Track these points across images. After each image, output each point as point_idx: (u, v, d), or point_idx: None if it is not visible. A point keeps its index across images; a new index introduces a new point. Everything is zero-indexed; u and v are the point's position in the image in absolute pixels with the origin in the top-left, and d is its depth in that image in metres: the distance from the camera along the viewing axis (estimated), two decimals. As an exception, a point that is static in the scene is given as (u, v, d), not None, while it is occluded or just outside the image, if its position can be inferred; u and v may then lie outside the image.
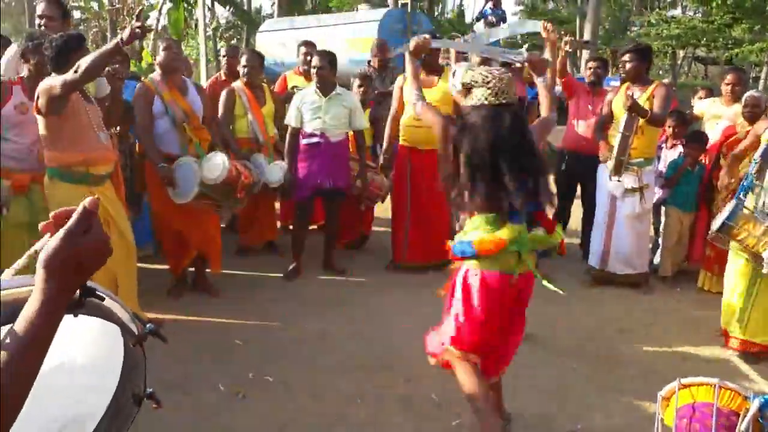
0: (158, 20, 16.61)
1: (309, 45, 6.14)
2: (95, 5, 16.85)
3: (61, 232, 0.89)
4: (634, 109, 4.49)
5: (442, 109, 4.81)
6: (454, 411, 3.21)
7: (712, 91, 6.44)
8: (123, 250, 3.77)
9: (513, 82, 2.55)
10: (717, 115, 5.44)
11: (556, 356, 3.89)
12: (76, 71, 3.24)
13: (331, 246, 5.28)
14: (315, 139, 4.86)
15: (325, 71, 4.86)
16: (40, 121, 3.46)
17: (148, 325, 1.14)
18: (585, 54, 18.39)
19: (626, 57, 4.82)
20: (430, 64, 5.01)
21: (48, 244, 0.90)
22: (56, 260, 0.88)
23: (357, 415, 3.19)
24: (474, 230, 2.49)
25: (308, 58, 5.74)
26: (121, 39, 3.25)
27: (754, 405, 1.99)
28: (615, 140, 4.71)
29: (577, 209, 5.92)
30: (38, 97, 3.37)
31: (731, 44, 19.34)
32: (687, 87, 17.70)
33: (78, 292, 0.94)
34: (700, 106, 5.84)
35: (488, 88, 2.46)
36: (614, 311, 4.62)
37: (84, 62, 3.24)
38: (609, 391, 3.47)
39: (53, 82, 3.32)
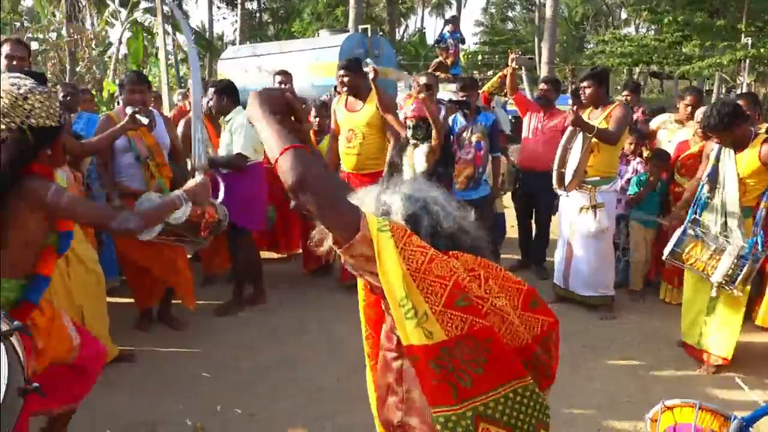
0: (118, 49, 16.44)
1: (284, 74, 6.13)
2: (53, 36, 16.61)
3: None
4: (576, 123, 4.52)
5: (372, 131, 4.91)
6: None
7: (634, 94, 6.58)
8: (89, 280, 3.77)
9: None
10: (673, 131, 5.55)
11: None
12: None
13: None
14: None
15: None
16: None
17: (15, 323, 1.16)
18: (545, 69, 18.75)
19: (584, 83, 4.82)
20: (357, 87, 4.99)
21: None
22: None
23: (325, 443, 3.19)
24: None
25: (283, 87, 5.76)
26: None
27: (733, 426, 2.02)
28: (570, 156, 4.73)
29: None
30: None
31: (682, 60, 19.95)
32: (644, 101, 18.15)
33: None
34: (655, 121, 5.94)
35: None
36: (577, 326, 4.69)
37: None
38: (575, 407, 3.53)
39: None
